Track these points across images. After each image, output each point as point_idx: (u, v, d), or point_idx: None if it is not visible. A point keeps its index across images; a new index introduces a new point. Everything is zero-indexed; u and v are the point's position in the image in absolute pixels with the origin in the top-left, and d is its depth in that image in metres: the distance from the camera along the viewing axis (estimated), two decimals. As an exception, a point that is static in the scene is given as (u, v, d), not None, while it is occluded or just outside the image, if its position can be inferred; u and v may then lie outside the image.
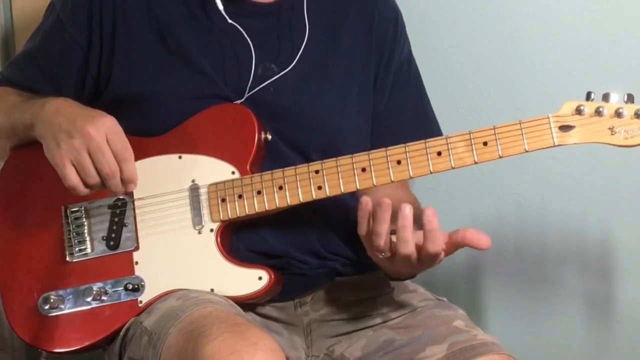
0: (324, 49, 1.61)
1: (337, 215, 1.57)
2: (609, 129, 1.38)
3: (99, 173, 1.41)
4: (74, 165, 1.41)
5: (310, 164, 1.47)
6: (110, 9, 1.56)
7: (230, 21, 1.56)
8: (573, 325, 1.87)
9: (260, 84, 1.55)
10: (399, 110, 1.66)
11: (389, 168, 1.44)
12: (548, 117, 1.39)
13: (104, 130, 1.41)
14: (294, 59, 1.57)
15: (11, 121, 1.55)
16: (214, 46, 1.56)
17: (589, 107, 1.38)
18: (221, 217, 1.49)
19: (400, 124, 1.66)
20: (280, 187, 1.47)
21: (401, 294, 1.59)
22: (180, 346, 1.32)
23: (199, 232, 1.50)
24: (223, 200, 1.49)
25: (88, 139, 1.40)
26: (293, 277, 1.53)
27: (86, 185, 1.42)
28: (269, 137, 1.52)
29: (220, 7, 1.55)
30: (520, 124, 1.40)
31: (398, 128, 1.65)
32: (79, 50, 1.58)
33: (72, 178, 1.41)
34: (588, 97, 1.40)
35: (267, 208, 1.48)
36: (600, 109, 1.38)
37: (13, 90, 1.62)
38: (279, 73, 1.56)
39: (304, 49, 1.57)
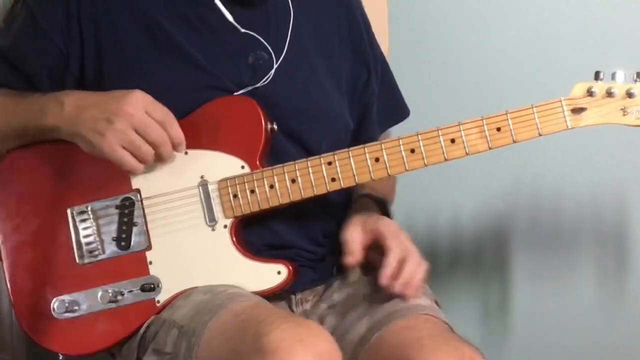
0: (309, 31, 1.59)
1: (341, 204, 1.58)
2: (621, 109, 1.39)
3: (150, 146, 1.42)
4: (125, 149, 1.41)
5: (323, 155, 1.46)
6: (89, 8, 1.51)
7: (223, 10, 1.52)
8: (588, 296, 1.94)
9: (254, 73, 1.53)
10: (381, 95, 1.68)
11: (403, 157, 1.44)
12: (560, 100, 1.40)
13: (141, 104, 1.41)
14: (284, 47, 1.54)
15: (12, 126, 1.50)
16: (203, 36, 1.53)
17: (599, 88, 1.40)
18: (234, 213, 1.48)
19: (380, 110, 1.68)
20: (293, 180, 1.47)
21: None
22: (232, 336, 1.32)
23: (213, 229, 1.48)
24: (235, 195, 1.48)
25: (130, 118, 1.40)
26: (301, 269, 1.53)
27: (141, 161, 1.43)
28: (275, 127, 1.50)
29: None
30: (532, 107, 1.41)
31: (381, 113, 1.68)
32: (56, 49, 1.52)
33: (129, 160, 1.42)
34: (596, 76, 1.41)
35: (280, 202, 1.47)
36: (612, 90, 1.39)
37: None
38: (269, 60, 1.53)
39: (290, 34, 1.55)
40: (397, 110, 1.70)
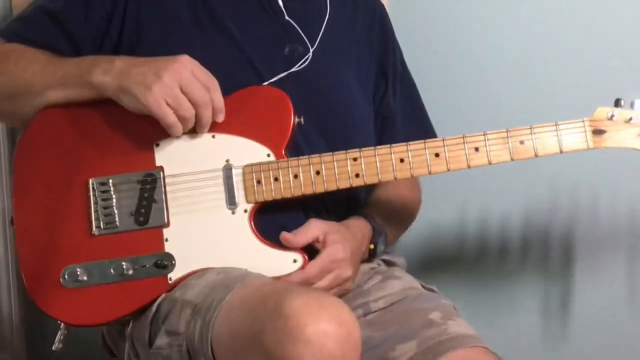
0: (343, 32, 1.66)
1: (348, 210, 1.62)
2: (638, 135, 1.47)
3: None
4: (168, 105, 1.44)
5: (349, 151, 1.50)
6: None
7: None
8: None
9: (288, 65, 1.58)
10: (403, 110, 1.73)
11: (427, 160, 1.49)
12: (583, 121, 1.47)
13: (189, 65, 1.45)
14: (316, 41, 1.61)
15: (57, 75, 1.52)
16: (247, 18, 1.59)
17: (619, 114, 1.47)
18: (256, 198, 1.50)
19: (403, 124, 1.73)
20: (318, 172, 1.50)
21: (385, 280, 1.62)
22: (253, 305, 1.31)
23: (233, 212, 1.51)
24: (259, 182, 1.50)
25: (177, 74, 1.44)
26: None
27: (181, 120, 1.46)
28: (302, 121, 1.54)
29: None
30: (556, 125, 1.47)
31: (403, 128, 1.73)
32: (104, 13, 1.58)
33: (170, 115, 1.45)
34: (617, 103, 1.48)
35: (303, 192, 1.50)
36: (630, 116, 1.46)
37: (31, 49, 1.57)
38: (304, 53, 1.59)
39: (323, 31, 1.62)
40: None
